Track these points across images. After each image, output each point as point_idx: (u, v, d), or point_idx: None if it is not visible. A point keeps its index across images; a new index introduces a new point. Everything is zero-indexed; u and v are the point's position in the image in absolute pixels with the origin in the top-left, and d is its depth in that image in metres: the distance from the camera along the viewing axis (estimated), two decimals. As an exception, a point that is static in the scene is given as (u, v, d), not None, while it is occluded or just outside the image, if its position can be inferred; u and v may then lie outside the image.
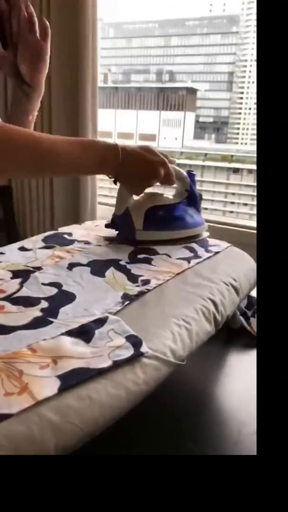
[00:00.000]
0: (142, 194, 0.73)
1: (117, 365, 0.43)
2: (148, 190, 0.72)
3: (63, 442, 0.36)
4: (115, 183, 0.70)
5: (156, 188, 0.76)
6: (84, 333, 0.47)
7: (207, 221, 1.67)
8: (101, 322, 0.49)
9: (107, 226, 0.80)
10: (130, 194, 0.74)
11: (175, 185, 0.79)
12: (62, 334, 0.46)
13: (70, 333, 0.47)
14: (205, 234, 0.84)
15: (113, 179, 0.68)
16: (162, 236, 0.77)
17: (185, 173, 0.79)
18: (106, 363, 0.42)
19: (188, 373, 0.66)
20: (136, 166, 0.67)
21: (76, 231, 0.84)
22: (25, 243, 0.76)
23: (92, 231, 0.84)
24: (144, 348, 0.45)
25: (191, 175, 0.80)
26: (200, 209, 0.84)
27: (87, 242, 0.77)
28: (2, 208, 1.87)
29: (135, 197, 0.76)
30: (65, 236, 0.81)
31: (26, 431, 0.35)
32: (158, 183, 0.71)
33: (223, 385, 0.69)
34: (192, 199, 0.81)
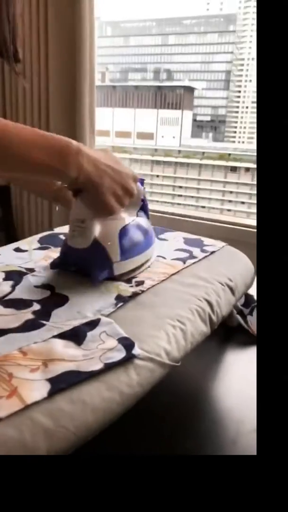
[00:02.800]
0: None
1: (109, 367, 0.42)
2: None
3: (56, 446, 0.36)
4: (75, 196, 0.55)
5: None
6: (76, 335, 0.46)
7: (206, 219, 1.67)
8: (93, 324, 0.49)
9: (54, 266, 0.64)
10: (95, 217, 0.58)
11: None
12: (54, 336, 0.46)
13: (62, 335, 0.46)
14: (155, 254, 0.71)
15: (74, 191, 0.54)
16: (140, 261, 0.65)
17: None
18: (97, 366, 0.42)
19: (186, 372, 0.65)
20: (109, 178, 0.52)
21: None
22: (21, 244, 0.76)
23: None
24: (136, 351, 0.45)
25: (141, 181, 0.67)
26: (149, 216, 0.73)
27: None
28: (1, 208, 1.87)
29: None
30: (61, 236, 0.80)
31: (18, 435, 0.34)
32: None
33: (221, 383, 0.68)
34: (144, 208, 0.72)
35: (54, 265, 0.65)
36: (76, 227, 0.59)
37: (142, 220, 0.69)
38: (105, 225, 0.60)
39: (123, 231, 0.62)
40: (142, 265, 0.66)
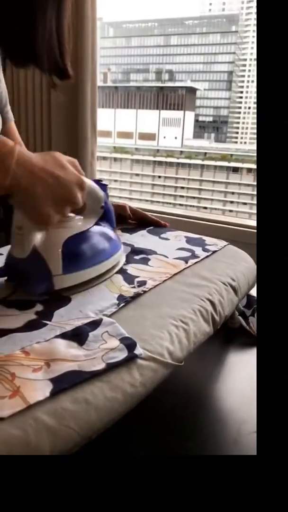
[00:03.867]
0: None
1: (111, 368, 0.42)
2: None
3: (59, 446, 0.35)
4: (7, 203, 0.50)
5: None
6: (78, 335, 0.46)
7: (207, 220, 1.67)
8: (95, 324, 0.49)
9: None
10: (34, 225, 0.53)
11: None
12: (56, 336, 0.46)
13: (64, 335, 0.46)
14: (123, 259, 0.67)
15: (3, 196, 0.48)
16: (86, 276, 0.59)
17: (97, 186, 0.62)
18: (99, 366, 0.42)
19: (187, 372, 0.65)
20: (42, 184, 0.47)
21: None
22: None
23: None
24: (138, 350, 0.45)
25: (103, 186, 0.64)
26: (114, 224, 0.68)
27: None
28: (2, 208, 1.87)
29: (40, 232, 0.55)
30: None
31: (22, 435, 0.34)
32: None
33: (223, 384, 0.68)
34: (107, 215, 0.65)
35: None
36: (15, 235, 0.54)
37: (100, 229, 0.63)
38: (49, 234, 0.55)
39: (71, 242, 0.56)
40: (97, 277, 0.60)
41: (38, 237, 0.54)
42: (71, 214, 0.58)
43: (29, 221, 0.52)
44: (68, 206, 0.52)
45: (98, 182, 0.62)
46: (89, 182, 0.57)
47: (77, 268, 0.57)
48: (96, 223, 0.63)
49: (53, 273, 0.54)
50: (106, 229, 0.64)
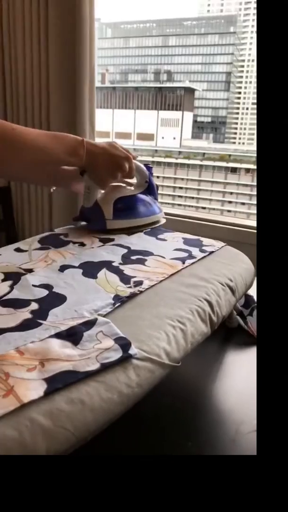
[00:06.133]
0: (108, 187, 0.83)
1: (105, 367, 0.42)
2: (112, 184, 0.84)
3: (55, 447, 0.35)
4: (82, 175, 0.80)
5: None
6: (72, 335, 0.46)
7: (206, 220, 1.67)
8: (90, 324, 0.48)
9: (75, 219, 0.89)
10: (97, 187, 0.83)
11: (135, 179, 0.89)
12: (51, 336, 0.46)
13: (58, 335, 0.46)
14: (163, 220, 0.95)
15: (80, 171, 0.79)
16: (130, 224, 0.86)
17: (144, 167, 0.89)
18: (94, 366, 0.42)
19: (186, 372, 0.65)
20: (102, 159, 0.76)
21: (72, 232, 0.84)
22: (21, 244, 0.76)
23: (87, 232, 0.84)
24: (132, 350, 0.45)
25: (149, 168, 0.90)
26: (157, 197, 0.95)
27: (82, 244, 0.76)
28: (2, 208, 1.87)
29: (102, 191, 0.85)
30: (61, 237, 0.80)
31: (18, 435, 0.34)
32: (121, 177, 0.81)
33: (221, 384, 0.68)
34: (151, 189, 0.92)
35: (75, 219, 0.89)
36: (85, 193, 0.84)
37: (144, 197, 0.90)
38: (107, 193, 0.84)
39: (121, 199, 0.84)
40: (138, 227, 0.87)
41: (99, 195, 0.84)
42: (122, 184, 0.88)
43: (94, 183, 0.81)
44: (118, 172, 0.79)
45: (146, 165, 0.90)
46: (137, 162, 0.85)
47: (123, 217, 0.84)
48: (143, 193, 0.90)
49: (106, 218, 0.83)
50: (148, 198, 0.91)
